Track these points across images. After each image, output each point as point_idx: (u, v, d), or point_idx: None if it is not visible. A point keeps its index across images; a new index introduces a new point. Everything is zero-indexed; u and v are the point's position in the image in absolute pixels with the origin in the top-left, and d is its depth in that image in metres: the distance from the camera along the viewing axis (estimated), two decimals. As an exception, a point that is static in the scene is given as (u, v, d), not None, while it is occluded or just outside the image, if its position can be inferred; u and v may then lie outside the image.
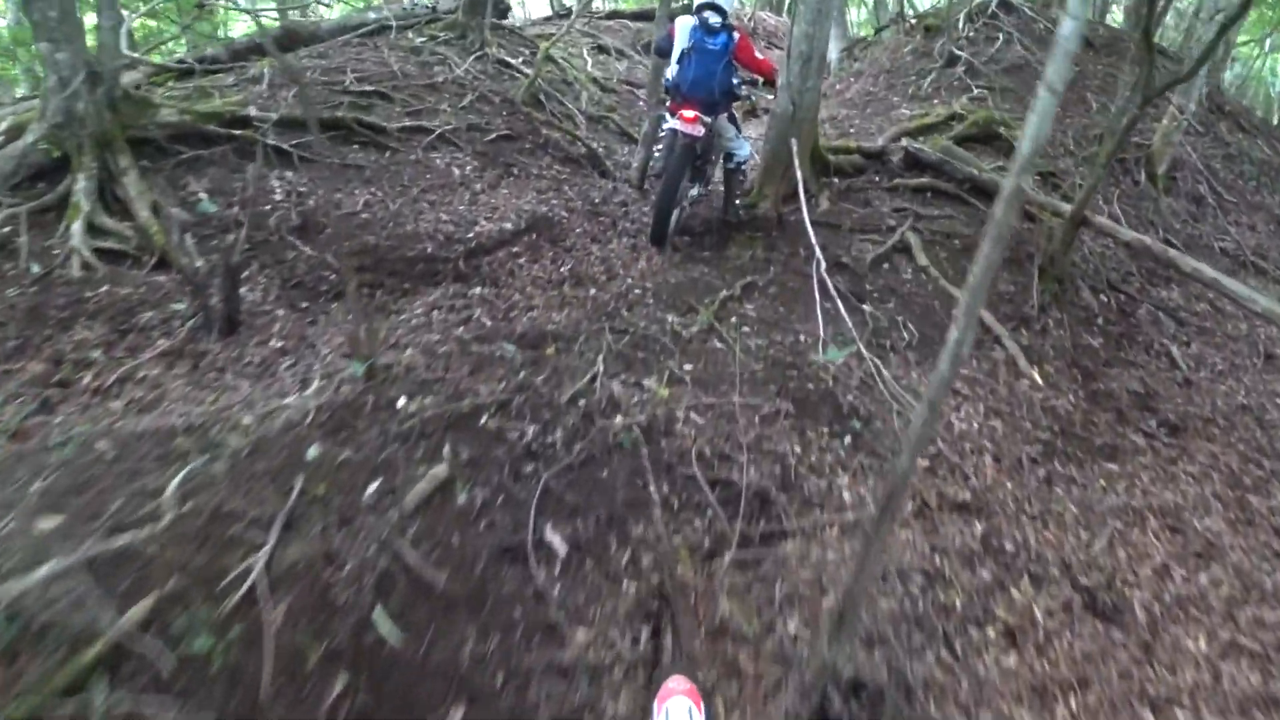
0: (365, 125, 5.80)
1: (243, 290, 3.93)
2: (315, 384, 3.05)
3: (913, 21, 10.46)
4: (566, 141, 6.96)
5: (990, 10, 9.25)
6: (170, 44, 9.11)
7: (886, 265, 5.19)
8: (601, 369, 3.34)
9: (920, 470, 3.27)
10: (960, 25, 9.02)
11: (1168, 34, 13.60)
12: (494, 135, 6.51)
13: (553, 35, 9.53)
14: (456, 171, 5.83)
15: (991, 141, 7.08)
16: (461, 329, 3.73)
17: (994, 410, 3.89)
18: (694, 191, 5.63)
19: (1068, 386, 4.39)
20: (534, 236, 5.09)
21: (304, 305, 3.94)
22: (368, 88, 6.48)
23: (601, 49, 10.58)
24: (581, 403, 3.09)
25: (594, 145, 7.20)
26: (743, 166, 5.63)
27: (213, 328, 3.59)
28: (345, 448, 2.61)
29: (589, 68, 9.59)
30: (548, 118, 7.29)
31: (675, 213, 5.36)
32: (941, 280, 5.01)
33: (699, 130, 4.96)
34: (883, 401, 3.60)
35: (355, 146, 5.64)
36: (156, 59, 7.52)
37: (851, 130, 7.66)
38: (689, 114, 4.92)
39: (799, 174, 5.64)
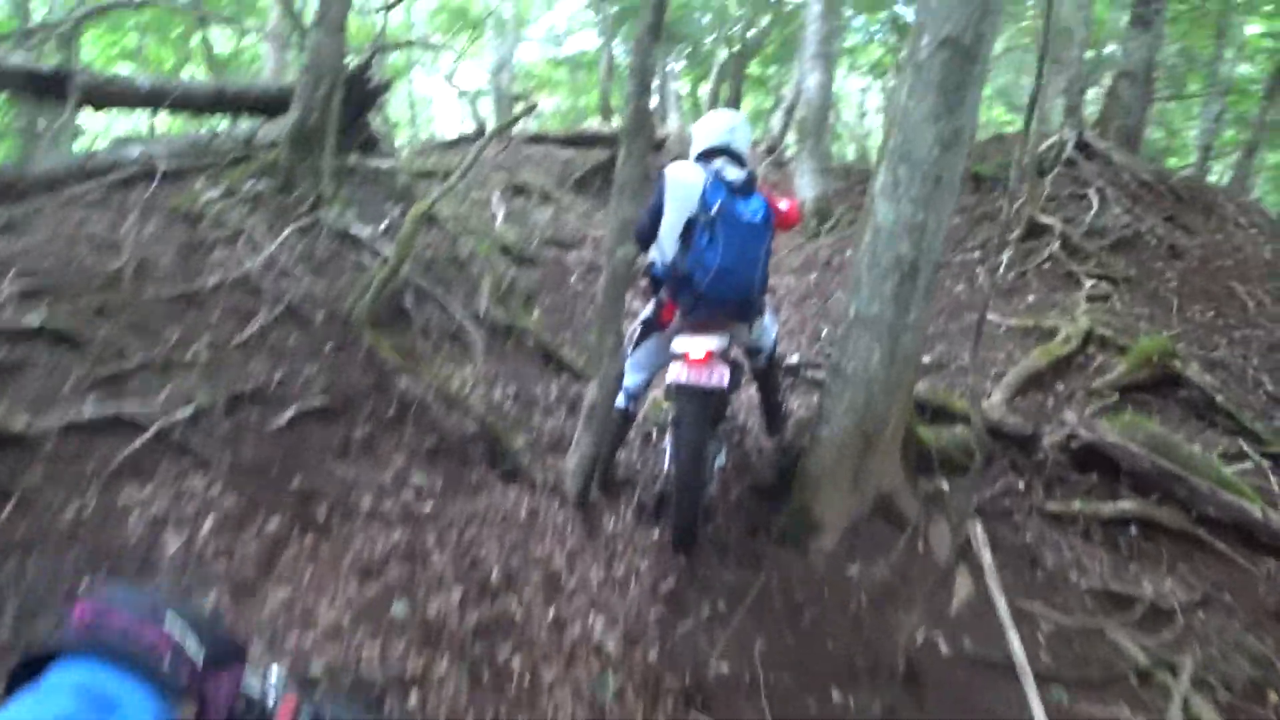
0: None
1: None
2: None
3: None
4: (441, 407, 3.72)
5: (1066, 156, 6.63)
6: None
7: None
8: None
9: None
10: (1031, 176, 6.32)
11: None
12: (290, 415, 3.24)
13: (446, 173, 6.43)
14: (169, 545, 2.50)
15: (1170, 392, 4.22)
16: None
17: None
18: (720, 458, 3.42)
19: None
20: None
21: None
22: (34, 319, 3.14)
23: (519, 189, 7.52)
24: None
25: (493, 409, 3.96)
26: (775, 354, 3.57)
27: None
28: None
29: (499, 223, 6.50)
30: (409, 350, 4.07)
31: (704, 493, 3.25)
32: None
33: (721, 378, 2.92)
34: None
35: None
36: None
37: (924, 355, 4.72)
38: (698, 349, 2.91)
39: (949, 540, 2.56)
